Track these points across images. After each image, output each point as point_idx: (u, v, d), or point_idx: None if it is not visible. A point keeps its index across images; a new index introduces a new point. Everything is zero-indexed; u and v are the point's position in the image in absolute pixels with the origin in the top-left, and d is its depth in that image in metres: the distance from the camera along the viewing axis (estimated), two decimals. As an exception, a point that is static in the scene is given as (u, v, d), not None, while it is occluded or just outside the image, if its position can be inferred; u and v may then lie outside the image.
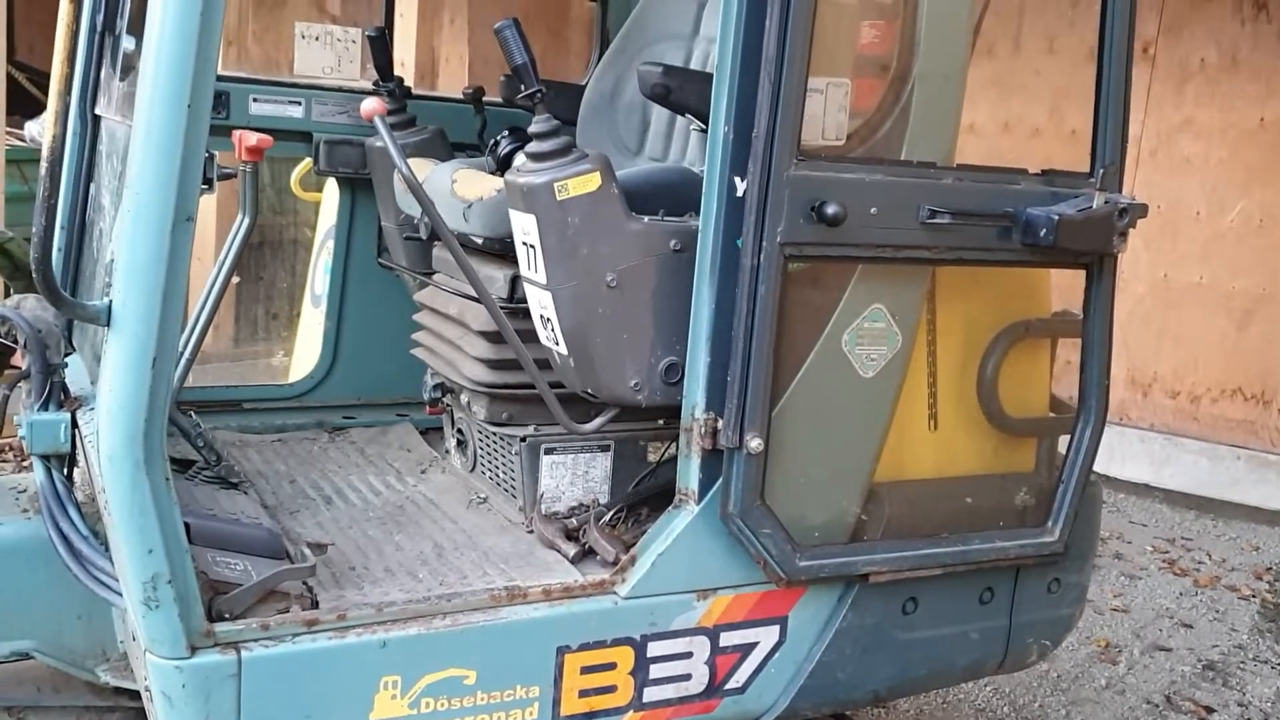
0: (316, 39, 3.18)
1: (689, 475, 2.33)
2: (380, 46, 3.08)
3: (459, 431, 2.95)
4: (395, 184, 2.95)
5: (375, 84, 3.15)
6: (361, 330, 3.33)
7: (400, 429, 3.27)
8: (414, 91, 3.29)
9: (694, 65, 3.04)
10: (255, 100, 3.08)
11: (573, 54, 7.25)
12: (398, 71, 3.29)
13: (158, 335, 1.88)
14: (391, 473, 2.96)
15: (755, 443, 2.26)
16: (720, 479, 2.31)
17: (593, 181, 2.26)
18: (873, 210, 2.27)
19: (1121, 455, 6.31)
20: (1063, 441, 2.75)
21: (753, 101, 2.17)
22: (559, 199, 2.23)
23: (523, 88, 2.25)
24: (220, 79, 3.07)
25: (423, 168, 2.84)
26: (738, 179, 2.21)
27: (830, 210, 2.19)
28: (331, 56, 3.20)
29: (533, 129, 2.28)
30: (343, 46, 3.20)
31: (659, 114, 3.10)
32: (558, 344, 2.36)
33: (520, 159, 2.34)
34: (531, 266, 2.33)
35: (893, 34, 2.40)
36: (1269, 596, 5.11)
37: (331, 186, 3.34)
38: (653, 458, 2.73)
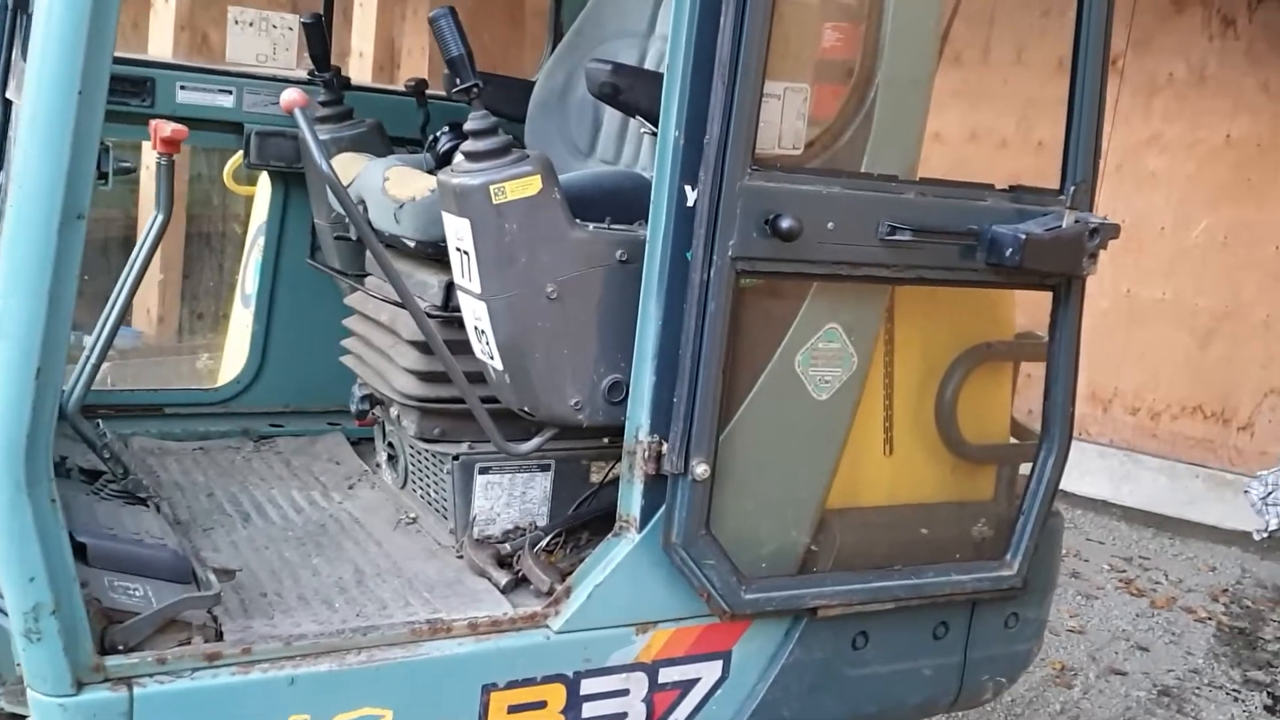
0: (250, 24, 3.00)
1: (630, 501, 2.19)
2: (316, 34, 2.91)
3: (390, 445, 2.78)
4: (328, 180, 2.77)
5: (310, 74, 2.98)
6: (292, 333, 3.16)
7: (330, 439, 3.09)
8: (356, 83, 3.12)
9: (649, 64, 2.89)
10: (183, 88, 2.90)
11: (530, 46, 7.09)
12: (355, 63, 3.13)
13: (42, 344, 1.71)
14: (317, 487, 2.79)
15: (701, 469, 2.12)
16: (664, 506, 2.17)
17: (532, 185, 2.10)
18: (830, 225, 2.14)
19: (1080, 471, 6.25)
20: (1024, 468, 2.63)
21: (705, 105, 2.02)
22: (495, 202, 2.07)
23: (457, 81, 2.09)
24: (145, 64, 2.91)
25: (354, 164, 2.67)
26: (688, 188, 2.07)
27: (785, 224, 2.06)
28: (266, 43, 3.02)
29: (468, 126, 2.13)
30: (279, 33, 3.02)
31: (612, 114, 2.95)
32: (492, 358, 2.20)
33: (457, 158, 2.19)
34: (465, 274, 2.17)
35: (856, 37, 2.26)
36: (1225, 619, 5.07)
37: (265, 181, 3.17)
38: (596, 478, 2.58)
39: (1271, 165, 6.06)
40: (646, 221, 2.13)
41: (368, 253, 2.78)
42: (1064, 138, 2.39)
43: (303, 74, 3.09)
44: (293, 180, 3.10)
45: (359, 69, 6.32)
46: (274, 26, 3.02)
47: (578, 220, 2.18)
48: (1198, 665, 4.61)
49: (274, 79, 3.05)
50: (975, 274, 2.31)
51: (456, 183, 2.10)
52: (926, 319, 2.47)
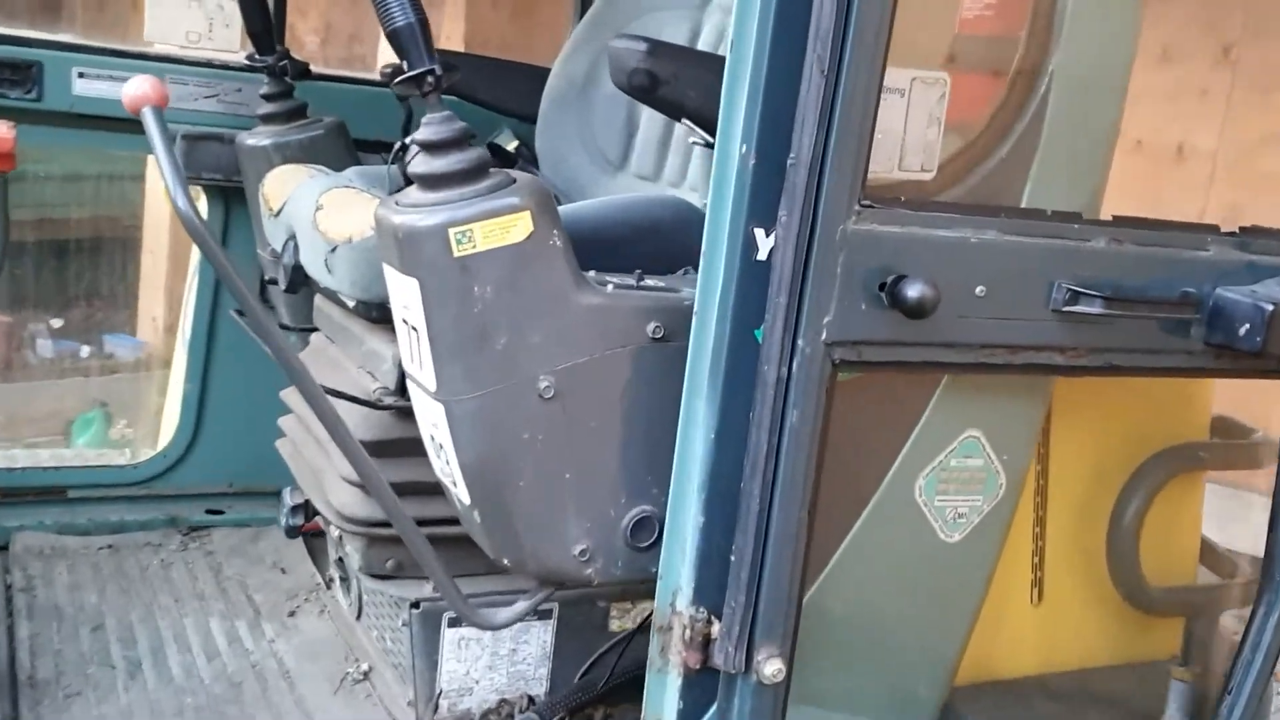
0: (177, -8, 2.30)
1: (661, 701, 1.44)
2: (254, 5, 2.19)
3: (340, 564, 2.06)
4: (259, 201, 2.06)
5: (250, 58, 2.26)
6: (235, 392, 2.45)
7: (279, 532, 2.37)
8: (317, 71, 2.40)
9: (704, 44, 2.14)
10: (81, 75, 2.21)
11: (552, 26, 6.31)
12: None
13: None
14: (246, 614, 2.08)
15: (773, 667, 1.37)
16: (714, 709, 1.43)
17: (518, 226, 1.36)
18: (979, 290, 1.38)
19: (1233, 522, 5.49)
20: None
21: (790, 107, 1.27)
22: (457, 254, 1.34)
23: (405, 66, 1.36)
24: (31, 44, 2.22)
25: (291, 180, 1.95)
26: (760, 232, 1.32)
27: (914, 291, 1.30)
28: (199, 19, 2.32)
29: (420, 136, 1.39)
30: (215, 6, 2.32)
31: (652, 112, 2.19)
32: (456, 484, 1.46)
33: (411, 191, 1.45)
34: (415, 360, 1.44)
35: (1019, 7, 1.51)
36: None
37: (202, 198, 2.48)
38: (618, 625, 1.86)
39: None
40: (696, 278, 1.39)
41: (316, 299, 2.07)
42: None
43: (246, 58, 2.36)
44: (235, 198, 2.39)
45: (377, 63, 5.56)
46: (208, -4, 2.32)
47: (588, 276, 1.44)
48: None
49: (209, 65, 2.35)
50: (1188, 358, 1.54)
51: (400, 222, 1.36)
52: (1095, 415, 1.72)
